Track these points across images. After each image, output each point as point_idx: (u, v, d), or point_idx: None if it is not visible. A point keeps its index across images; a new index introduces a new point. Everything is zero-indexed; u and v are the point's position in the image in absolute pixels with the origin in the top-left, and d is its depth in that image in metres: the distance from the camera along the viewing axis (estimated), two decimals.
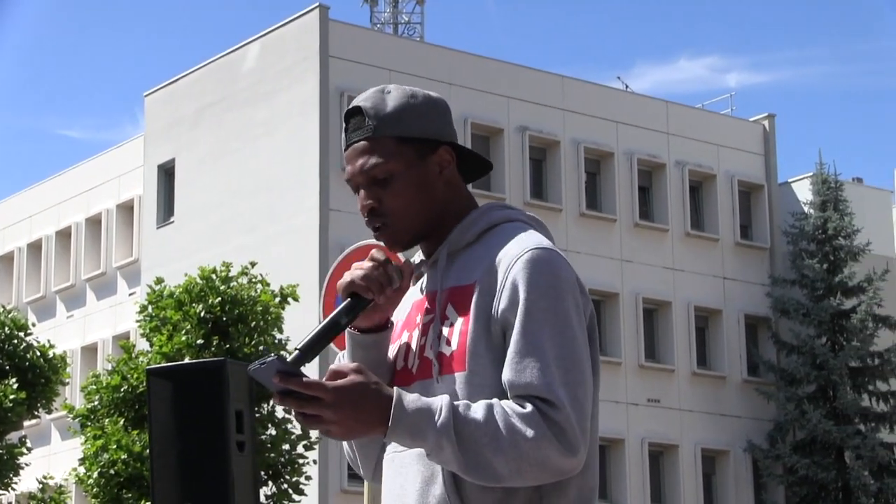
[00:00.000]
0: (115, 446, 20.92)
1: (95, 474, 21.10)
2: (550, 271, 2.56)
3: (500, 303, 2.55)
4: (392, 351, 2.70)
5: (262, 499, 21.13)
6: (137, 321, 23.27)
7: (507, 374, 2.51)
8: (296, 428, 22.22)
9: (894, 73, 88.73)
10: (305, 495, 22.33)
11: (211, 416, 6.52)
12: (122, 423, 21.45)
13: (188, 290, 22.10)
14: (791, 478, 33.61)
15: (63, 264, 38.50)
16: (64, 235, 38.72)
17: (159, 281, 22.92)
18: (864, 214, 36.48)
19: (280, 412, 22.13)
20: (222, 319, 21.85)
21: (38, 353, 24.44)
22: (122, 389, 21.64)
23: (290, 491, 21.76)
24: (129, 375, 21.71)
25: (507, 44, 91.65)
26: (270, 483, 21.71)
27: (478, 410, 2.45)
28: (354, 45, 31.92)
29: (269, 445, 21.40)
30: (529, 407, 2.46)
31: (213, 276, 22.26)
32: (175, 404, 6.60)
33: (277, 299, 22.35)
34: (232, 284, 22.25)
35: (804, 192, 37.25)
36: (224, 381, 6.54)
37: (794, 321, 34.98)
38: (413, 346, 2.65)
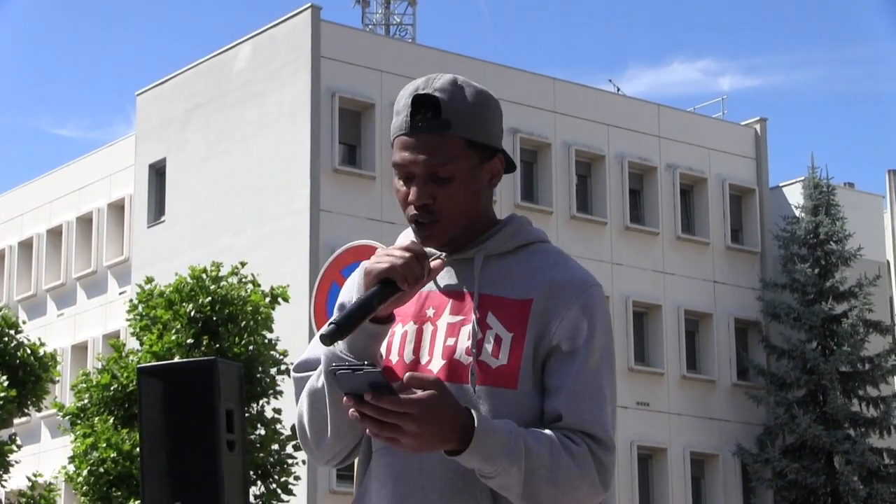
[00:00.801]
0: (104, 445, 20.89)
1: (85, 472, 21.07)
2: (607, 311, 2.62)
3: (559, 330, 2.55)
4: (395, 340, 2.64)
5: (251, 499, 21.09)
6: (128, 320, 23.25)
7: (565, 404, 2.52)
8: (285, 428, 22.20)
9: (887, 78, 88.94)
10: (294, 495, 22.30)
11: (201, 416, 6.51)
12: (111, 421, 21.42)
13: (178, 290, 22.08)
14: (780, 482, 33.63)
15: (54, 263, 38.44)
16: (55, 234, 38.65)
17: (150, 280, 22.89)
18: (856, 219, 36.53)
19: (269, 412, 22.09)
20: (212, 319, 21.83)
21: (29, 351, 24.40)
22: (111, 388, 21.61)
23: (279, 491, 21.74)
24: (118, 374, 21.68)
25: (500, 46, 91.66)
26: (259, 483, 21.68)
27: (541, 441, 2.47)
28: (346, 46, 31.91)
29: (258, 445, 21.38)
30: (583, 446, 2.50)
31: (204, 276, 22.24)
32: (166, 403, 6.59)
33: (268, 299, 22.33)
34: (222, 284, 22.23)
35: (796, 196, 37.28)
36: (215, 381, 6.53)
37: (785, 325, 35.01)
38: (426, 340, 2.60)
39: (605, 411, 2.54)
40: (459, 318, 2.58)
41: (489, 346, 2.54)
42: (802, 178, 37.17)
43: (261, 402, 21.96)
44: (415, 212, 2.58)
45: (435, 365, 2.57)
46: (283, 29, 32.25)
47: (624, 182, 35.07)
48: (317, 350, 2.68)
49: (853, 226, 35.84)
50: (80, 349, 36.78)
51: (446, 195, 2.57)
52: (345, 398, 2.38)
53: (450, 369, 2.56)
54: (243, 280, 22.61)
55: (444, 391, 2.40)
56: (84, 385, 21.98)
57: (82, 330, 36.96)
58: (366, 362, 2.39)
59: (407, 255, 2.52)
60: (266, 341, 22.12)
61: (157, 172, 35.06)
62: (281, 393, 22.19)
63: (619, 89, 37.86)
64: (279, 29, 32.37)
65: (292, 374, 2.73)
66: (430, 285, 2.63)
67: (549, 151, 33.93)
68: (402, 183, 2.60)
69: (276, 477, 21.72)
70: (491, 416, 2.50)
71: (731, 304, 35.90)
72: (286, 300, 22.64)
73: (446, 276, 2.63)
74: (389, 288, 2.52)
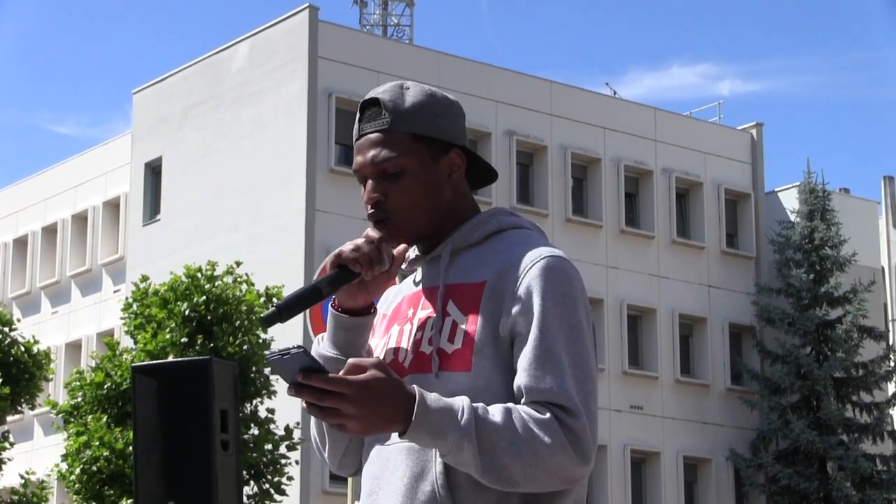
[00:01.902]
0: (97, 443, 20.88)
1: (77, 471, 21.05)
2: (567, 280, 2.57)
3: (513, 307, 2.54)
4: (378, 344, 2.69)
5: (244, 498, 21.08)
6: (122, 318, 23.24)
7: (523, 379, 2.50)
8: (279, 428, 22.20)
9: (884, 83, 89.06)
10: (287, 496, 22.30)
11: (195, 415, 6.50)
12: (104, 419, 21.41)
13: (173, 289, 22.07)
14: (773, 487, 33.65)
15: (48, 260, 38.41)
16: (50, 231, 38.63)
17: (144, 279, 22.89)
18: (851, 225, 36.57)
19: (263, 412, 22.09)
20: (207, 318, 21.82)
21: (23, 349, 24.38)
22: (105, 386, 21.60)
23: (272, 491, 21.73)
24: (112, 372, 21.67)
25: (499, 48, 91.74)
26: (252, 483, 21.68)
27: (497, 414, 2.44)
28: (343, 47, 31.91)
29: (251, 445, 21.37)
30: (548, 414, 2.46)
31: (199, 275, 22.23)
32: (160, 402, 6.58)
33: (262, 299, 22.33)
34: (217, 283, 22.22)
35: (791, 201, 37.32)
36: (209, 380, 6.52)
37: (780, 330, 35.04)
38: (405, 340, 2.63)
39: (566, 379, 2.49)
40: (427, 311, 2.62)
41: (447, 333, 2.57)
42: (798, 183, 37.21)
43: (254, 402, 21.96)
44: (370, 210, 2.64)
45: (406, 359, 2.60)
46: (281, 29, 32.26)
47: (620, 185, 35.10)
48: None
49: (848, 231, 35.87)
50: (74, 347, 36.76)
51: (398, 190, 2.62)
52: (287, 388, 2.40)
53: (416, 361, 2.59)
54: (238, 280, 22.61)
55: (385, 372, 2.41)
56: (78, 383, 21.96)
57: (76, 328, 36.94)
58: (294, 345, 2.40)
59: (360, 240, 2.61)
60: (260, 341, 22.11)
61: (153, 171, 35.05)
62: (275, 393, 22.19)
63: (615, 92, 37.91)
64: (276, 29, 32.37)
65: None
66: (410, 287, 2.69)
67: (546, 154, 33.95)
68: (362, 189, 2.67)
69: (270, 477, 21.72)
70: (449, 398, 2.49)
71: (725, 308, 35.93)
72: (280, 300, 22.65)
73: (425, 276, 2.67)
74: (344, 273, 2.58)
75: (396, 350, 2.64)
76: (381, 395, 2.39)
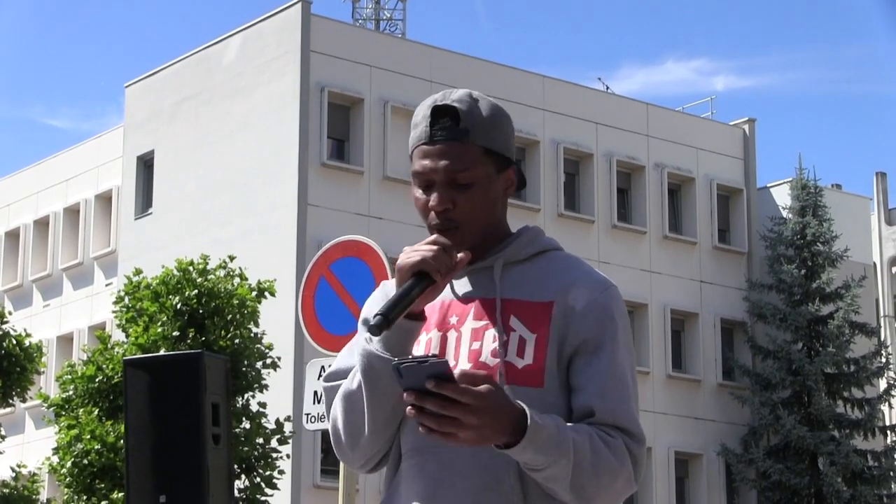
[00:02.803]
0: (88, 436, 20.84)
1: (69, 464, 21.01)
2: (625, 311, 2.73)
3: (581, 330, 2.65)
4: (419, 348, 2.71)
5: (235, 492, 21.05)
6: (114, 312, 23.18)
7: (594, 401, 2.61)
8: (270, 422, 22.17)
9: (877, 79, 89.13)
10: (278, 489, 22.27)
11: (187, 409, 6.50)
12: (96, 413, 21.37)
13: (165, 282, 22.03)
14: (764, 483, 33.69)
15: (40, 253, 38.34)
16: (42, 224, 38.56)
17: (137, 272, 22.84)
18: (843, 221, 36.60)
19: (254, 406, 22.07)
20: (199, 312, 21.78)
21: (14, 342, 24.33)
22: (97, 380, 21.55)
23: (263, 485, 21.70)
24: (104, 366, 21.63)
25: (493, 43, 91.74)
26: (243, 477, 21.65)
27: (583, 435, 2.56)
28: (336, 41, 31.87)
29: (242, 439, 21.34)
30: (619, 439, 2.60)
31: (191, 269, 22.20)
32: (151, 396, 6.58)
33: (254, 293, 22.29)
34: (209, 277, 22.18)
35: (783, 197, 37.34)
36: (201, 374, 6.52)
37: (771, 326, 35.07)
38: (455, 348, 2.67)
39: (633, 406, 2.64)
40: (483, 322, 2.67)
41: (514, 348, 2.64)
42: (790, 178, 37.23)
43: (246, 396, 21.92)
44: (436, 219, 2.68)
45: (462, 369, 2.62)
46: (273, 22, 32.21)
47: (612, 180, 35.10)
48: (347, 361, 2.76)
49: (840, 227, 35.91)
50: (66, 340, 36.71)
51: (466, 200, 2.67)
52: (405, 394, 2.42)
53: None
54: (231, 273, 22.57)
55: (498, 386, 2.47)
56: (69, 376, 21.92)
57: (68, 321, 36.89)
58: (431, 354, 2.50)
59: (435, 247, 2.62)
60: (252, 335, 22.07)
61: (146, 164, 35.00)
62: (266, 387, 22.16)
63: (608, 88, 37.90)
64: (269, 22, 32.33)
65: (322, 384, 2.80)
66: (450, 295, 2.73)
67: (538, 149, 33.94)
68: (421, 191, 2.70)
69: (261, 471, 21.68)
70: None
71: (717, 304, 35.96)
72: (273, 294, 22.61)
73: (466, 285, 2.72)
74: (424, 280, 2.61)
75: (441, 355, 2.67)
76: (498, 408, 2.45)
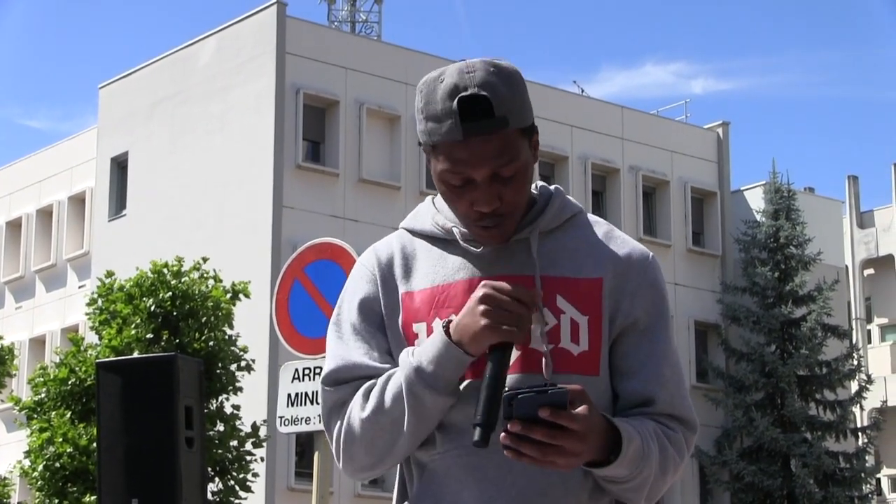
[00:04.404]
0: (60, 439, 20.76)
1: (40, 467, 20.92)
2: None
3: (631, 309, 2.44)
4: (437, 325, 2.40)
5: (209, 495, 21.01)
6: (87, 314, 23.11)
7: (650, 388, 2.42)
8: (244, 425, 22.13)
9: (850, 83, 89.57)
10: (252, 492, 22.23)
11: (160, 412, 6.48)
12: (68, 416, 21.28)
13: (139, 284, 21.97)
14: (737, 484, 33.80)
15: (13, 255, 38.16)
16: (14, 226, 38.38)
17: (110, 274, 22.77)
18: (816, 224, 36.77)
19: (229, 408, 22.02)
20: (172, 314, 21.73)
21: None
22: (69, 382, 21.47)
23: (237, 488, 21.66)
24: (77, 368, 21.55)
25: (471, 45, 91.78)
26: (217, 479, 21.60)
27: (651, 434, 2.39)
28: (311, 43, 31.84)
29: (216, 442, 21.29)
30: (679, 432, 2.45)
31: (165, 271, 22.14)
32: (124, 399, 6.55)
33: (229, 295, 22.25)
34: (183, 279, 22.13)
35: (757, 200, 37.49)
36: (174, 377, 6.50)
37: (745, 328, 35.19)
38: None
39: (685, 391, 2.48)
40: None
41: (566, 332, 2.39)
42: (763, 182, 37.38)
43: (220, 399, 21.88)
44: (481, 218, 2.39)
45: (511, 356, 2.39)
46: (249, 24, 32.15)
47: (587, 183, 35.17)
48: (348, 358, 2.44)
49: (812, 230, 36.07)
50: (38, 343, 36.54)
51: (511, 191, 2.39)
52: (509, 424, 2.19)
53: (524, 359, 2.39)
54: (205, 275, 22.52)
55: (592, 402, 2.27)
56: (41, 379, 21.82)
57: (40, 323, 36.72)
58: (550, 383, 2.23)
59: (523, 313, 2.31)
60: (226, 337, 22.04)
61: (119, 166, 34.88)
62: (241, 389, 22.12)
63: (583, 91, 37.97)
64: (244, 24, 32.27)
65: (323, 388, 2.48)
66: (469, 267, 2.44)
67: None
68: (454, 187, 2.39)
69: (235, 473, 21.64)
70: None
71: (691, 306, 36.06)
72: (247, 296, 22.57)
73: (499, 261, 2.43)
74: (504, 351, 2.31)
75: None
76: (595, 430, 2.26)
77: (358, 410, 2.41)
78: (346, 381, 2.44)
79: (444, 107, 2.38)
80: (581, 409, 2.23)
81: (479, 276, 2.40)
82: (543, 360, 2.37)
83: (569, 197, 2.53)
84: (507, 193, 2.38)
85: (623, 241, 2.49)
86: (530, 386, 2.21)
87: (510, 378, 2.35)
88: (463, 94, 2.37)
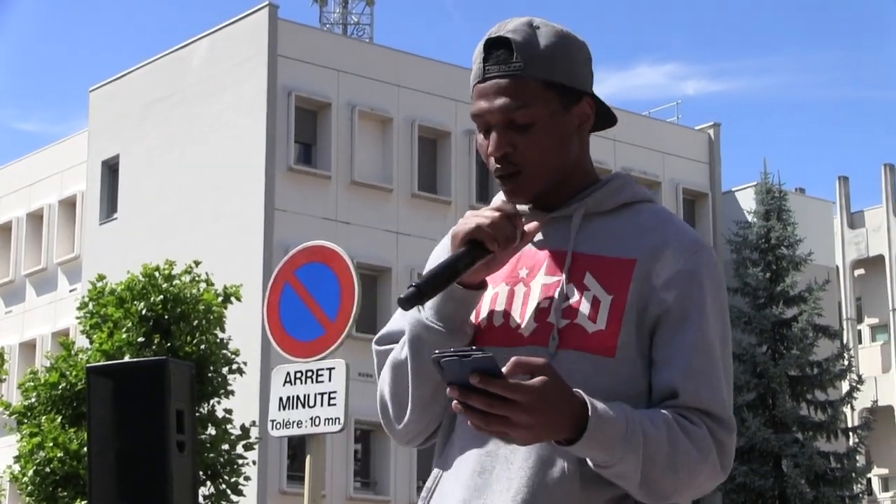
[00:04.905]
0: (51, 444, 20.72)
1: (31, 472, 20.88)
2: (721, 275, 2.40)
3: (668, 296, 2.33)
4: (485, 302, 2.43)
5: (201, 499, 20.98)
6: (78, 318, 23.07)
7: (679, 381, 2.31)
8: (235, 428, 22.10)
9: (841, 85, 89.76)
10: (244, 496, 22.20)
11: (151, 416, 6.46)
12: (59, 420, 21.25)
13: (130, 288, 21.94)
14: (729, 485, 33.83)
15: (3, 259, 38.11)
16: (4, 230, 38.33)
17: (101, 278, 22.73)
18: (807, 224, 36.83)
19: (220, 412, 21.99)
20: (164, 318, 21.70)
21: None
22: (60, 387, 21.43)
23: (229, 491, 21.64)
24: (67, 373, 21.51)
25: (463, 47, 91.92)
26: (209, 483, 21.57)
27: (660, 426, 2.26)
28: (303, 45, 31.83)
29: (208, 445, 21.27)
30: (703, 426, 2.30)
31: (156, 274, 22.11)
32: (115, 403, 6.53)
33: (220, 298, 22.22)
34: (175, 283, 22.10)
35: (748, 201, 37.54)
36: (165, 381, 6.48)
37: (736, 329, 35.22)
38: (520, 304, 2.39)
39: (723, 387, 2.35)
40: (556, 279, 2.38)
41: (585, 309, 2.34)
42: (755, 183, 37.43)
43: (212, 402, 21.86)
44: (496, 164, 2.40)
45: (527, 328, 2.37)
46: (241, 27, 32.13)
47: None
48: (400, 321, 2.50)
49: (804, 231, 36.13)
50: (29, 347, 36.48)
51: (528, 143, 2.38)
52: (448, 389, 2.15)
53: (538, 331, 2.36)
54: (197, 279, 22.49)
55: (556, 376, 2.18)
56: (31, 383, 21.78)
57: (31, 327, 36.66)
58: (474, 347, 2.17)
59: (495, 214, 2.35)
60: (218, 340, 22.01)
61: (110, 169, 34.84)
62: (232, 392, 22.09)
63: None
64: (236, 26, 32.25)
65: (374, 347, 2.54)
66: (522, 244, 2.42)
67: None
68: (482, 136, 2.43)
69: (226, 477, 21.62)
70: (583, 384, 2.26)
71: None
72: (239, 299, 22.54)
73: (542, 235, 2.43)
74: (477, 250, 2.34)
75: (507, 314, 2.40)
76: (553, 404, 2.17)
77: (386, 366, 2.48)
78: (391, 342, 2.50)
79: (477, 51, 2.45)
80: (535, 380, 2.15)
81: (525, 250, 2.42)
82: (552, 333, 2.34)
83: (639, 186, 2.49)
84: (522, 143, 2.38)
85: (676, 230, 2.40)
86: (455, 350, 2.15)
87: (513, 349, 2.32)
88: (490, 36, 2.43)
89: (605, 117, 2.54)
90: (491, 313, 2.41)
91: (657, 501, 2.29)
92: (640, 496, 2.28)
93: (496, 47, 2.40)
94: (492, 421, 2.15)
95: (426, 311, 2.38)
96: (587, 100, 2.45)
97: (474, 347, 2.16)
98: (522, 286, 2.41)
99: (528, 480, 2.31)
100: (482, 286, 2.40)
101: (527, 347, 2.34)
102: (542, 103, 2.38)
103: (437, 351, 2.16)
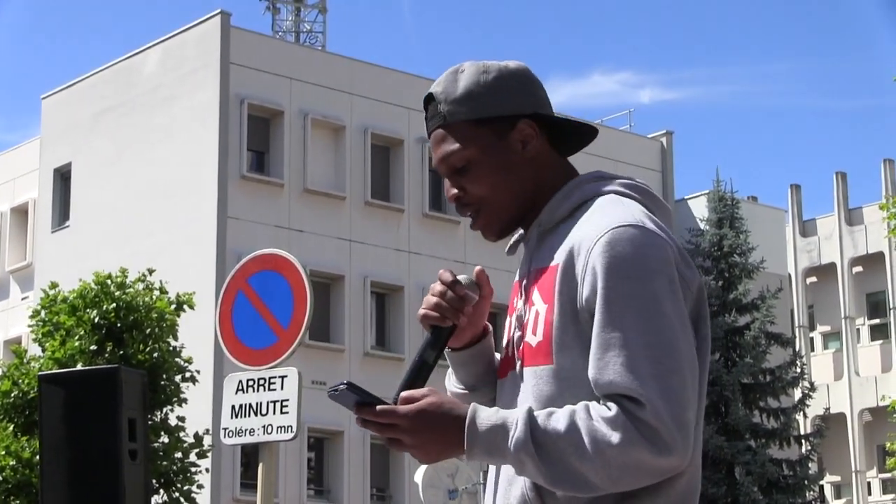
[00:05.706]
0: (3, 452, 20.57)
1: None
2: (634, 251, 2.33)
3: (584, 290, 2.35)
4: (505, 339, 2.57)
5: None
6: (30, 326, 22.93)
7: (590, 372, 2.31)
8: (188, 436, 22.03)
9: (795, 93, 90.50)
10: None
11: (103, 424, 6.45)
12: (11, 429, 21.10)
13: (82, 296, 21.83)
14: None
15: None
16: None
17: (53, 286, 22.60)
18: (759, 232, 37.07)
19: (173, 420, 21.90)
20: (116, 326, 21.61)
21: None
22: (12, 395, 21.29)
23: (182, 499, 21.56)
24: (20, 381, 21.37)
25: (416, 55, 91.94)
26: (162, 491, 21.48)
27: (560, 419, 2.28)
28: (255, 53, 31.78)
29: (161, 453, 21.18)
30: (614, 409, 2.26)
31: (109, 282, 22.01)
32: (67, 411, 6.52)
33: (173, 306, 22.14)
34: (128, 290, 22.01)
35: (700, 209, 37.75)
36: (117, 389, 6.47)
37: None
38: (510, 333, 2.51)
39: (634, 364, 2.27)
40: (521, 300, 2.49)
41: (531, 324, 2.42)
42: (707, 191, 37.65)
43: (164, 410, 21.77)
44: (461, 213, 2.57)
45: (513, 356, 2.49)
46: (193, 34, 32.04)
47: None
48: None
49: (756, 239, 36.36)
50: None
51: (471, 182, 2.49)
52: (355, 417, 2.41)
53: (513, 358, 2.48)
54: (150, 287, 22.41)
55: (435, 401, 2.33)
56: None
57: None
58: (343, 381, 2.36)
59: (432, 297, 2.48)
60: (171, 349, 21.93)
61: (62, 177, 34.64)
62: (185, 401, 22.01)
63: None
64: (189, 34, 32.15)
65: None
66: (517, 274, 2.54)
67: None
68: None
69: (179, 485, 21.53)
70: (536, 396, 2.36)
71: None
72: (192, 307, 22.47)
73: (523, 260, 2.55)
74: (439, 332, 2.48)
75: (507, 346, 2.52)
76: (433, 423, 2.32)
77: None
78: None
79: None
80: (410, 405, 2.33)
81: (515, 280, 2.57)
82: (517, 356, 2.46)
83: (596, 183, 2.51)
84: (467, 183, 2.50)
85: (590, 222, 2.40)
86: (335, 385, 2.36)
87: (506, 379, 2.49)
88: (426, 94, 2.57)
89: (574, 131, 2.58)
90: (503, 350, 2.57)
91: (588, 492, 2.29)
92: (566, 491, 2.30)
93: (427, 103, 2.55)
94: (390, 443, 2.36)
95: (451, 380, 2.63)
96: (524, 121, 2.50)
97: (343, 382, 2.36)
98: (509, 317, 2.53)
99: (501, 494, 2.45)
100: (480, 338, 2.58)
101: (511, 374, 2.48)
102: (472, 142, 2.49)
103: (328, 389, 2.38)
